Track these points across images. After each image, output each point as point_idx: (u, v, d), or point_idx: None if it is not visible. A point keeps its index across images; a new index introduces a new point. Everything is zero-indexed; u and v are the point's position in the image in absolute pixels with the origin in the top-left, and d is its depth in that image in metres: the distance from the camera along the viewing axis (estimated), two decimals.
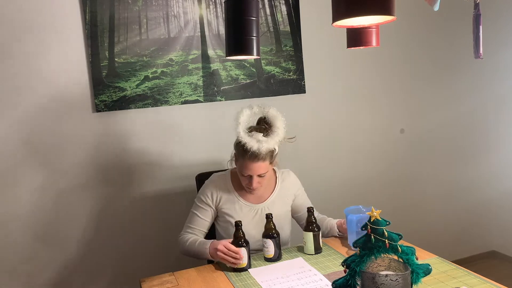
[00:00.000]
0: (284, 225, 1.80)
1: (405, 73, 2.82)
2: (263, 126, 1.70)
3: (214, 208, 1.79)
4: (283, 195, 1.85)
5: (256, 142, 1.62)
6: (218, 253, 1.56)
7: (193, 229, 1.77)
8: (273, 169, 1.88)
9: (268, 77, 2.45)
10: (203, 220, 1.78)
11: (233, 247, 1.56)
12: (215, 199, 1.78)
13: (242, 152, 1.67)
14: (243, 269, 1.58)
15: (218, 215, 1.81)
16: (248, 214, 1.78)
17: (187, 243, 1.72)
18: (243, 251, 1.56)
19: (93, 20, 2.10)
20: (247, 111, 1.67)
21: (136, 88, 2.20)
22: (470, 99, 3.03)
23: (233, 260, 1.55)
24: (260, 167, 1.66)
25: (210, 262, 1.95)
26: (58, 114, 2.09)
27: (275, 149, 1.71)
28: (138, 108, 2.21)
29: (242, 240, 1.58)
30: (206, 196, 1.78)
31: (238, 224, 1.60)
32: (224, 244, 1.57)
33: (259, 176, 1.69)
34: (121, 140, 2.21)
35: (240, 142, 1.66)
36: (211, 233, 1.91)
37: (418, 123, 2.89)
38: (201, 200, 1.79)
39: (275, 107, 1.73)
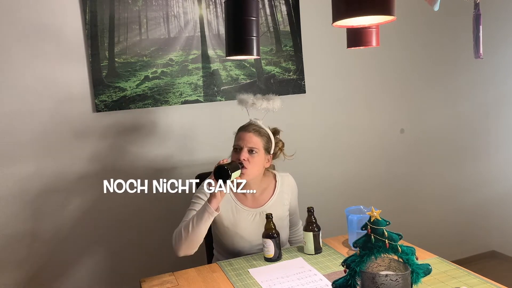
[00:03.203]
0: (282, 229, 1.78)
1: (405, 73, 2.82)
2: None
3: None
4: (282, 198, 1.84)
5: (253, 98, 1.75)
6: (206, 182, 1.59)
7: None
8: (273, 173, 1.88)
9: (268, 77, 2.45)
10: None
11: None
12: None
13: (239, 128, 1.77)
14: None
15: (215, 219, 1.78)
16: (245, 218, 1.76)
17: (183, 225, 1.63)
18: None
19: (93, 20, 2.10)
20: (250, 94, 1.80)
21: (136, 88, 2.20)
22: (470, 99, 3.03)
23: (220, 163, 1.55)
24: (251, 137, 1.71)
25: (210, 261, 1.95)
26: (58, 114, 2.09)
27: (270, 138, 1.76)
28: (138, 108, 2.21)
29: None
30: (202, 193, 1.75)
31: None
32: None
33: (249, 152, 1.69)
34: (121, 140, 2.21)
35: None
36: (209, 238, 1.90)
37: (418, 123, 2.89)
38: (197, 197, 1.76)
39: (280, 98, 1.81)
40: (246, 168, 1.67)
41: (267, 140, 1.75)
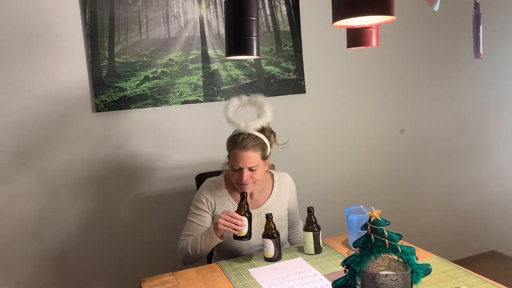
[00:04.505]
0: (280, 229, 1.76)
1: (405, 73, 2.82)
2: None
3: (211, 214, 1.78)
4: (280, 198, 1.84)
5: (243, 121, 1.70)
6: (220, 220, 1.58)
7: (192, 236, 1.75)
8: (270, 172, 1.87)
9: (268, 77, 2.45)
10: (202, 226, 1.75)
11: (234, 214, 1.59)
12: (210, 205, 1.77)
13: (232, 143, 1.70)
14: (244, 238, 1.60)
15: (213, 220, 1.79)
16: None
17: (189, 242, 1.69)
18: (244, 220, 1.59)
19: (93, 20, 2.10)
20: (235, 99, 1.73)
21: (136, 88, 2.20)
22: (470, 99, 3.03)
23: (234, 226, 1.57)
24: (249, 157, 1.65)
25: (209, 261, 1.95)
26: (58, 114, 2.09)
27: (266, 145, 1.72)
28: (138, 108, 2.21)
29: (245, 209, 1.61)
30: (201, 203, 1.76)
31: (243, 195, 1.63)
32: (226, 212, 1.60)
33: (250, 170, 1.67)
34: (121, 140, 2.21)
35: (230, 138, 1.73)
36: None
37: (418, 123, 2.89)
38: (196, 207, 1.77)
39: (270, 103, 1.76)
40: (249, 184, 1.69)
41: (263, 148, 1.71)
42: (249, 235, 1.60)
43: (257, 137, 1.70)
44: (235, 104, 1.72)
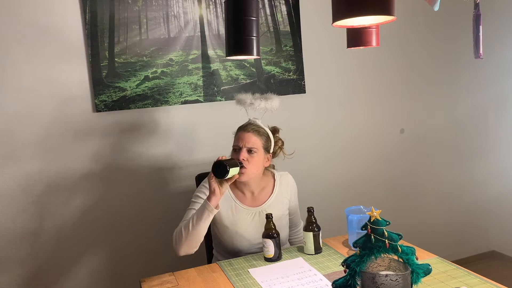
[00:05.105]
0: (281, 228, 1.77)
1: (405, 73, 2.82)
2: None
3: None
4: (281, 197, 1.84)
5: (251, 97, 1.76)
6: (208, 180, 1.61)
7: None
8: (271, 172, 1.88)
9: (268, 77, 2.45)
10: None
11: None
12: None
13: (238, 128, 1.77)
14: (222, 163, 1.54)
15: (214, 218, 1.78)
16: (245, 217, 1.76)
17: (183, 224, 1.64)
18: (228, 156, 1.67)
19: (93, 20, 2.10)
20: (249, 94, 1.81)
21: (136, 88, 2.20)
22: (470, 99, 3.03)
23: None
24: (250, 137, 1.70)
25: (209, 261, 1.95)
26: (58, 114, 2.09)
27: (270, 138, 1.77)
28: (138, 108, 2.21)
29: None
30: (202, 193, 1.75)
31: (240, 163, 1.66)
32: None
33: (249, 152, 1.69)
34: (121, 140, 2.21)
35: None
36: (208, 238, 1.90)
37: (418, 123, 2.89)
38: (197, 197, 1.76)
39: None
40: (245, 167, 1.67)
41: (266, 139, 1.75)
42: (227, 169, 1.53)
43: (262, 127, 1.76)
44: (249, 96, 1.79)
